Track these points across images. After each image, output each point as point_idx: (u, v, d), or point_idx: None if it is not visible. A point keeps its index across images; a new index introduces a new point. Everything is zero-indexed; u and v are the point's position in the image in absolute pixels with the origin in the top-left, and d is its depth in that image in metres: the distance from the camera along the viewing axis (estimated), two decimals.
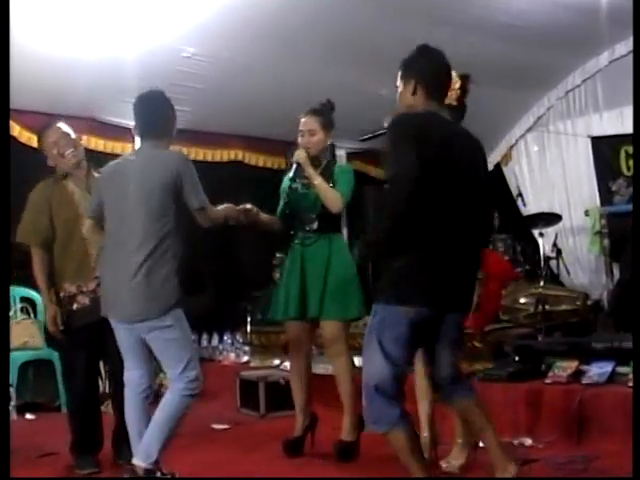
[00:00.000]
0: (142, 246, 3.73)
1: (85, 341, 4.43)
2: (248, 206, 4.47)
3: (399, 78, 3.47)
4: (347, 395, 4.66)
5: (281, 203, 4.90)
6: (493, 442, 3.41)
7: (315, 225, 4.71)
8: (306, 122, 4.73)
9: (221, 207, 4.12)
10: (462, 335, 3.67)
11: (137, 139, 4.03)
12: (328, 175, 4.66)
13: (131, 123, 4.11)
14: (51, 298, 4.48)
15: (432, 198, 3.18)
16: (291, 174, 4.67)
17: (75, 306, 4.44)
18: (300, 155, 4.61)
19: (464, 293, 3.43)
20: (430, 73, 3.42)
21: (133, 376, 3.93)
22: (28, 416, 6.34)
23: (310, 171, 4.59)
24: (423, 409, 4.29)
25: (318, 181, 4.58)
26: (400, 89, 3.47)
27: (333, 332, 4.65)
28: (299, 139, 4.76)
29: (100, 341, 4.36)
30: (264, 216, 4.75)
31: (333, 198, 4.57)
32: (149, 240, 3.74)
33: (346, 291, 4.62)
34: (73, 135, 4.66)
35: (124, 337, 3.90)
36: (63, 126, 4.64)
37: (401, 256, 3.20)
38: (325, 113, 4.76)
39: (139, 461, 3.73)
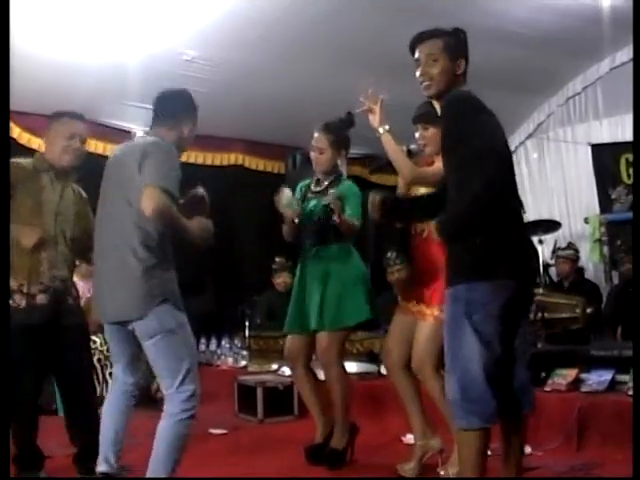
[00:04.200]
0: (120, 239, 3.52)
1: (22, 345, 4.02)
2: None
3: (440, 51, 3.26)
4: (339, 403, 4.62)
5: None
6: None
7: (313, 239, 4.66)
8: (317, 139, 4.65)
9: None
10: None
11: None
12: (333, 190, 4.58)
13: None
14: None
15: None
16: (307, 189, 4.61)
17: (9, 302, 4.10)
18: (336, 204, 4.39)
19: (534, 267, 3.32)
20: (468, 55, 3.31)
21: (121, 374, 3.75)
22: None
23: (340, 215, 4.41)
24: (413, 417, 4.31)
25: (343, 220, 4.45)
26: (443, 64, 3.25)
27: (324, 342, 4.61)
28: (311, 153, 4.71)
29: (52, 349, 4.14)
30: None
31: (348, 229, 4.49)
32: (128, 233, 3.50)
33: (341, 300, 4.55)
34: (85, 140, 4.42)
35: (112, 334, 3.70)
36: (84, 127, 4.36)
37: (482, 232, 3.03)
38: (338, 130, 4.65)
39: None
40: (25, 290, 4.12)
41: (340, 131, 4.67)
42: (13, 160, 4.11)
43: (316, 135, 4.66)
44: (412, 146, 4.18)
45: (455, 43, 3.30)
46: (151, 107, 3.81)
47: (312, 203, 4.69)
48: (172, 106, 3.79)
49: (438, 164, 4.06)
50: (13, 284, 4.09)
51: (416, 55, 3.34)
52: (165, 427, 3.47)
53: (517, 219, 3.19)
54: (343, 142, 4.69)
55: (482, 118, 3.11)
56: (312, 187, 4.78)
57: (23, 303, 4.11)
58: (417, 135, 4.20)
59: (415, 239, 4.24)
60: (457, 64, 3.27)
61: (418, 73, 3.31)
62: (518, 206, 3.22)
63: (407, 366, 4.23)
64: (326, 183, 4.69)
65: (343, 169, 4.92)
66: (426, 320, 4.10)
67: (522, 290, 3.15)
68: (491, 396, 3.01)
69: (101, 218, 3.72)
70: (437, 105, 4.10)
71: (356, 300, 4.58)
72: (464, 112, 3.15)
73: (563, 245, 8.40)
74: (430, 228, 4.03)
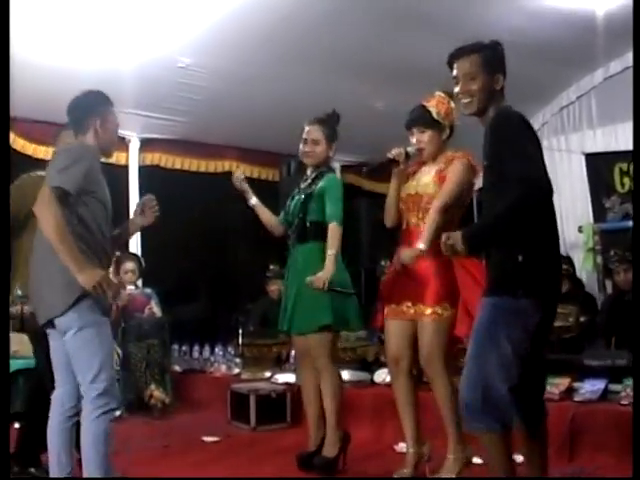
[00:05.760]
0: (35, 243, 3.61)
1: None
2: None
3: (479, 67, 3.27)
4: (330, 411, 4.59)
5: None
6: None
7: (293, 237, 4.65)
8: (310, 131, 4.65)
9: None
10: None
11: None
12: (315, 185, 4.60)
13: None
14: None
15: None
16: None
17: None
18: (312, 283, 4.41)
19: (560, 290, 3.41)
20: (505, 68, 3.31)
21: (59, 394, 3.72)
22: (17, 425, 6.28)
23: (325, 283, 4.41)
24: (408, 424, 4.31)
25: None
26: (482, 81, 3.26)
27: (312, 348, 4.59)
28: (300, 146, 4.68)
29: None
30: (262, 210, 4.79)
31: (335, 235, 4.47)
32: (39, 236, 3.57)
33: (313, 303, 4.48)
34: None
35: (55, 347, 3.70)
36: None
37: (524, 248, 3.11)
38: (330, 124, 4.67)
39: None
40: None
41: (331, 125, 4.70)
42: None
43: (309, 127, 4.66)
44: (409, 148, 4.21)
45: (493, 58, 3.30)
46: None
47: (294, 200, 4.71)
48: (73, 112, 3.81)
49: (428, 178, 4.16)
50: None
51: (454, 72, 3.34)
52: (84, 429, 3.56)
53: (555, 240, 3.25)
54: (335, 136, 4.70)
55: (526, 141, 3.13)
56: (301, 184, 4.75)
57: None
58: (413, 139, 4.24)
59: (408, 237, 4.25)
60: (495, 79, 3.27)
61: (456, 90, 3.33)
62: (556, 227, 3.26)
63: (411, 372, 4.28)
64: (311, 178, 4.67)
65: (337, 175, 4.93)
66: (427, 319, 4.11)
67: (553, 309, 3.28)
68: (512, 404, 3.08)
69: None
70: (434, 110, 4.18)
71: (327, 304, 4.47)
72: (510, 132, 3.15)
73: None
74: (423, 227, 4.10)
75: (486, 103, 3.26)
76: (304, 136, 4.66)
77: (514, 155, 3.08)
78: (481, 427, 3.12)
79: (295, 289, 4.58)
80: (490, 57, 3.29)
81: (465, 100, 3.30)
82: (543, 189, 3.04)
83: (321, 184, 4.59)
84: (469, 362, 3.19)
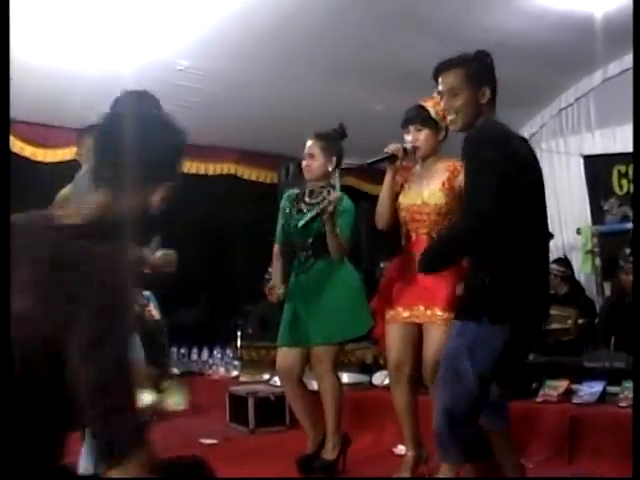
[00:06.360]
0: None
1: None
2: None
3: (462, 82, 3.20)
4: (331, 414, 4.60)
5: (279, 223, 4.84)
6: None
7: (309, 251, 4.64)
8: (308, 145, 4.66)
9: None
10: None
11: None
12: (324, 203, 4.50)
13: None
14: None
15: (518, 212, 3.05)
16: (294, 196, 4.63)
17: None
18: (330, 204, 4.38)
19: (544, 311, 3.37)
20: (494, 79, 3.26)
21: None
22: None
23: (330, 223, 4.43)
24: (408, 428, 4.30)
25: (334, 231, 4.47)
26: (466, 96, 3.20)
27: (320, 354, 4.60)
28: (302, 162, 4.71)
29: None
30: None
31: (337, 245, 4.51)
32: None
33: (340, 314, 4.54)
34: None
35: None
36: None
37: (493, 272, 3.04)
38: (330, 138, 4.66)
39: None
40: None
41: (331, 139, 4.69)
42: None
43: (308, 143, 4.68)
44: (406, 145, 4.18)
45: (477, 70, 3.23)
46: None
47: (308, 215, 4.62)
48: None
49: (434, 187, 4.15)
50: None
51: (439, 87, 3.27)
52: None
53: (532, 261, 3.15)
54: (334, 150, 4.69)
55: (493, 166, 3.01)
56: (306, 199, 4.72)
57: None
58: (408, 137, 4.20)
59: (420, 249, 4.21)
60: (481, 92, 3.21)
61: (442, 105, 3.30)
62: (535, 247, 3.19)
63: (411, 377, 4.24)
64: (316, 195, 4.62)
65: (336, 182, 4.92)
66: (440, 323, 4.02)
67: (525, 334, 3.18)
68: (474, 434, 3.07)
69: None
70: (432, 110, 4.15)
71: (354, 314, 4.57)
72: (475, 158, 3.08)
73: (555, 256, 8.41)
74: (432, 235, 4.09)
75: (472, 118, 3.20)
76: (305, 150, 4.68)
77: (471, 184, 3.06)
78: (448, 457, 3.09)
79: (318, 304, 4.57)
80: (475, 70, 3.22)
81: (450, 117, 3.26)
82: (484, 223, 2.98)
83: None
84: (438, 391, 3.16)
